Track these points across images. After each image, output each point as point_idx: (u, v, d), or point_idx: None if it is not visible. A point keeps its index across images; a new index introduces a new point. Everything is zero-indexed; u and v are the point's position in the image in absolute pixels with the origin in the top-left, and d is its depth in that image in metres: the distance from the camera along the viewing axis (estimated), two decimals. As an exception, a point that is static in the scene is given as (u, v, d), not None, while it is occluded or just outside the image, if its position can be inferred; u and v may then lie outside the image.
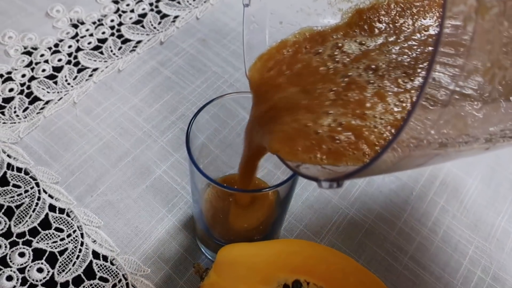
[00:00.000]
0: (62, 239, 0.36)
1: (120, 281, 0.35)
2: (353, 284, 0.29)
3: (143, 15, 0.52)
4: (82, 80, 0.46)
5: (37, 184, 0.39)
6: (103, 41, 0.49)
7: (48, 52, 0.48)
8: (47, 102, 0.44)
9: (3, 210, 0.37)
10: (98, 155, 0.41)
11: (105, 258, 0.36)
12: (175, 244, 0.37)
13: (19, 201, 0.38)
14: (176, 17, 0.52)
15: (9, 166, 0.40)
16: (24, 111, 0.43)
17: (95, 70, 0.47)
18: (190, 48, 0.50)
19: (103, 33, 0.50)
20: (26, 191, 0.38)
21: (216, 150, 0.36)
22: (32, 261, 0.35)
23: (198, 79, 0.47)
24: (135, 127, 0.43)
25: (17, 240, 0.36)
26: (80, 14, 0.51)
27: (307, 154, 0.23)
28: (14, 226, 0.37)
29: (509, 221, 0.40)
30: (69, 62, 0.47)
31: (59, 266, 0.35)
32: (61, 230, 0.37)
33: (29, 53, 0.48)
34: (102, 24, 0.51)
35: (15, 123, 0.42)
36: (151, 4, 0.53)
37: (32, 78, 0.46)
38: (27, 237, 0.36)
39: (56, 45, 0.48)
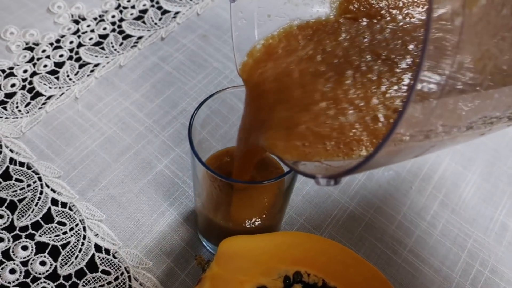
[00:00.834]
0: (64, 233, 0.37)
1: (122, 274, 0.35)
2: (353, 275, 0.29)
3: (144, 11, 0.52)
4: (84, 76, 0.46)
5: (40, 179, 0.39)
6: (104, 36, 0.50)
7: (50, 47, 0.48)
8: (49, 97, 0.44)
9: (6, 204, 0.38)
10: (100, 150, 0.41)
11: (107, 251, 0.36)
12: (176, 238, 0.37)
13: (22, 195, 0.38)
14: (177, 13, 0.52)
15: (12, 160, 0.40)
16: (26, 106, 0.44)
17: (96, 65, 0.47)
18: (191, 43, 0.50)
19: (104, 29, 0.50)
20: (28, 185, 0.39)
21: (217, 145, 0.36)
22: (35, 254, 0.36)
23: (199, 74, 0.47)
24: (137, 122, 0.43)
25: (20, 233, 0.37)
26: (81, 10, 0.51)
27: (303, 151, 0.23)
28: (17, 220, 0.37)
29: (507, 215, 0.41)
30: (70, 58, 0.47)
31: (62, 259, 0.35)
32: (64, 224, 0.37)
33: (30, 49, 0.48)
34: (103, 20, 0.51)
35: (17, 118, 0.43)
36: (151, 0, 0.53)
37: (34, 74, 0.46)
38: (30, 230, 0.37)
39: (58, 41, 0.49)
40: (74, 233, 0.37)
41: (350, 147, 0.22)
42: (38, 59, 0.47)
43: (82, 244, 0.36)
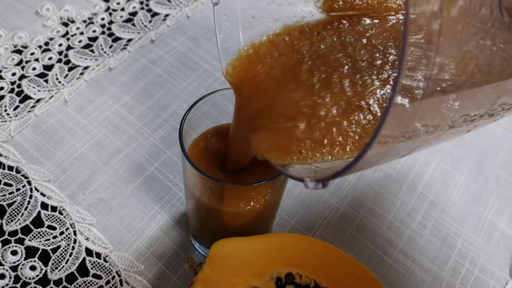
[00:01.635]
0: (54, 237, 0.36)
1: (113, 277, 0.35)
2: (345, 276, 0.29)
3: (134, 14, 0.52)
4: (73, 79, 0.46)
5: (29, 182, 0.39)
6: (93, 39, 0.49)
7: (39, 50, 0.48)
8: (38, 101, 0.44)
9: (-6, 209, 0.37)
10: (90, 153, 0.41)
11: (98, 255, 0.36)
12: (168, 241, 0.37)
13: (11, 199, 0.38)
14: (166, 15, 0.52)
15: (0, 164, 0.40)
16: (14, 109, 0.43)
17: (86, 68, 0.47)
18: (181, 46, 0.50)
19: (94, 31, 0.50)
20: (17, 190, 0.38)
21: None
22: (25, 259, 0.35)
23: (189, 77, 0.47)
24: (127, 124, 0.43)
25: (9, 238, 0.36)
26: (70, 13, 0.51)
27: (291, 155, 0.23)
28: (6, 224, 0.37)
29: (495, 214, 0.41)
30: (59, 61, 0.47)
31: (52, 264, 0.35)
32: (54, 228, 0.37)
33: (19, 52, 0.48)
34: (92, 23, 0.51)
35: (6, 121, 0.42)
36: (141, 3, 0.53)
37: (22, 77, 0.46)
38: (20, 235, 0.36)
39: (47, 44, 0.48)
40: (64, 237, 0.36)
41: (336, 150, 0.22)
42: (27, 62, 0.47)
43: (73, 248, 0.36)
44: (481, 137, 0.46)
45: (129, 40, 0.50)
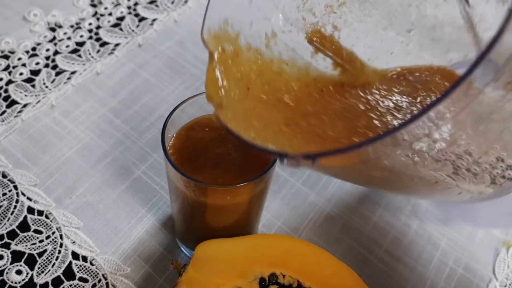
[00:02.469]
0: (41, 241, 0.36)
1: (100, 281, 0.35)
2: (328, 276, 0.30)
3: (121, 18, 0.52)
4: (60, 83, 0.46)
5: (15, 187, 0.39)
6: (81, 44, 0.50)
7: (26, 55, 0.48)
8: (25, 105, 0.44)
9: (-20, 213, 0.37)
10: (76, 157, 0.41)
11: (84, 258, 0.36)
12: (154, 243, 0.37)
13: (-3, 204, 0.38)
14: (154, 20, 0.53)
15: (-13, 169, 0.40)
16: (1, 114, 0.43)
17: (73, 73, 0.47)
18: (168, 50, 0.50)
19: (81, 36, 0.50)
20: (4, 194, 0.38)
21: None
22: (11, 263, 0.35)
23: (177, 80, 0.48)
24: (114, 128, 0.43)
25: (-4, 242, 0.36)
26: (57, 18, 0.51)
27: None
28: (-8, 229, 0.37)
29: (479, 213, 0.42)
30: (47, 66, 0.47)
31: (38, 268, 0.35)
32: (40, 232, 0.37)
33: (6, 57, 0.48)
34: (80, 28, 0.51)
35: (-8, 126, 0.42)
36: (129, 7, 0.53)
37: (9, 82, 0.46)
38: (6, 239, 0.36)
39: (34, 49, 0.49)
40: (50, 241, 0.36)
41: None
42: (14, 67, 0.47)
43: (59, 252, 0.36)
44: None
45: (117, 45, 0.50)
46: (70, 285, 0.35)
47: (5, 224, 0.37)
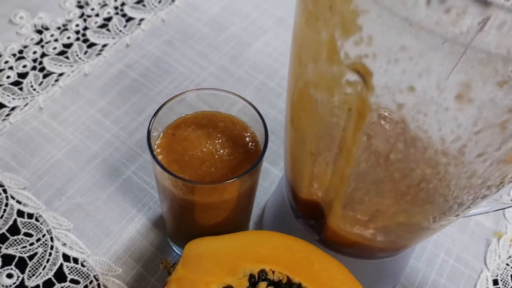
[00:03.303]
0: (31, 244, 0.36)
1: (91, 282, 0.35)
2: (318, 270, 0.30)
3: (109, 19, 0.52)
4: (48, 85, 0.46)
5: (5, 191, 0.39)
6: (68, 46, 0.49)
7: (13, 58, 0.48)
8: (12, 109, 0.44)
9: (-30, 218, 0.37)
10: (66, 159, 0.41)
11: (75, 260, 0.36)
12: (145, 243, 0.37)
13: (-13, 208, 0.38)
14: (141, 20, 0.52)
15: (-25, 174, 0.40)
16: (-11, 118, 0.43)
17: (61, 75, 0.47)
18: (156, 50, 0.50)
19: (68, 38, 0.50)
20: (-7, 198, 0.38)
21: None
22: (1, 267, 0.35)
23: (165, 80, 0.48)
24: (103, 129, 0.43)
25: (-14, 247, 0.36)
26: (44, 20, 0.51)
27: None
28: (-18, 233, 0.37)
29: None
30: (34, 68, 0.47)
31: (29, 271, 0.35)
32: (30, 235, 0.37)
33: (-7, 61, 0.47)
34: (67, 29, 0.51)
35: (-20, 130, 0.42)
36: (116, 8, 0.53)
37: (-4, 85, 0.45)
38: (-4, 243, 0.36)
39: (21, 52, 0.48)
40: (41, 244, 0.36)
41: None
42: (1, 70, 0.47)
43: (50, 254, 0.36)
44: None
45: (104, 46, 0.50)
46: (62, 287, 0.35)
47: (-5, 228, 0.37)
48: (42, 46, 0.49)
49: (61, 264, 0.36)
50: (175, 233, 0.35)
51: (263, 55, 0.50)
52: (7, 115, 0.43)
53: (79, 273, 0.35)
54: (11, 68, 0.47)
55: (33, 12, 0.52)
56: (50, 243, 0.36)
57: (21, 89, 0.45)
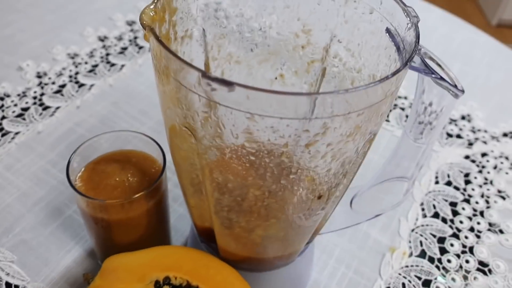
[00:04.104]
0: (-22, 275, 0.42)
1: (29, 305, 0.40)
2: (213, 275, 0.36)
3: (63, 86, 0.61)
4: (5, 143, 0.53)
5: (-41, 231, 0.45)
6: (26, 109, 0.57)
7: (-24, 122, 0.55)
8: (-28, 163, 0.51)
9: None
10: (15, 203, 0.47)
11: (16, 287, 0.41)
12: (80, 270, 0.43)
13: None
14: (92, 85, 0.61)
15: None
16: (-50, 172, 0.50)
17: (17, 133, 0.54)
18: (103, 109, 0.58)
19: (27, 102, 0.58)
20: None
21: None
22: (-50, 296, 0.40)
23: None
24: (51, 177, 0.50)
25: None
26: (6, 89, 0.59)
27: None
28: None
29: (369, 224, 0.48)
30: (-6, 129, 0.55)
31: (-26, 298, 0.40)
32: (-22, 268, 0.42)
33: (-42, 124, 0.55)
34: (26, 96, 0.59)
35: None
36: (70, 76, 0.62)
37: (-40, 144, 0.53)
38: None
39: (-17, 116, 0.56)
40: (-13, 275, 0.42)
41: None
42: (-35, 132, 0.54)
43: (-6, 283, 0.41)
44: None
45: (58, 108, 0.58)
46: (2, 311, 0.40)
47: None
48: (3, 110, 0.57)
49: (3, 291, 0.41)
50: (102, 255, 0.41)
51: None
52: (-33, 168, 0.50)
53: (19, 298, 0.40)
54: (-27, 129, 0.54)
55: (-3, 83, 0.60)
56: (-6, 273, 0.42)
57: (-19, 146, 0.53)
